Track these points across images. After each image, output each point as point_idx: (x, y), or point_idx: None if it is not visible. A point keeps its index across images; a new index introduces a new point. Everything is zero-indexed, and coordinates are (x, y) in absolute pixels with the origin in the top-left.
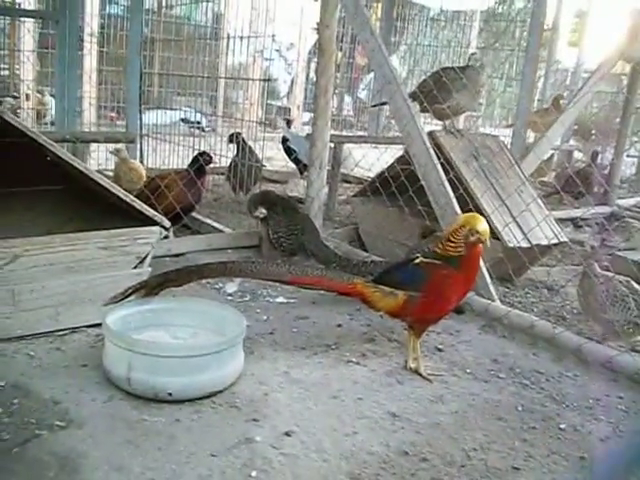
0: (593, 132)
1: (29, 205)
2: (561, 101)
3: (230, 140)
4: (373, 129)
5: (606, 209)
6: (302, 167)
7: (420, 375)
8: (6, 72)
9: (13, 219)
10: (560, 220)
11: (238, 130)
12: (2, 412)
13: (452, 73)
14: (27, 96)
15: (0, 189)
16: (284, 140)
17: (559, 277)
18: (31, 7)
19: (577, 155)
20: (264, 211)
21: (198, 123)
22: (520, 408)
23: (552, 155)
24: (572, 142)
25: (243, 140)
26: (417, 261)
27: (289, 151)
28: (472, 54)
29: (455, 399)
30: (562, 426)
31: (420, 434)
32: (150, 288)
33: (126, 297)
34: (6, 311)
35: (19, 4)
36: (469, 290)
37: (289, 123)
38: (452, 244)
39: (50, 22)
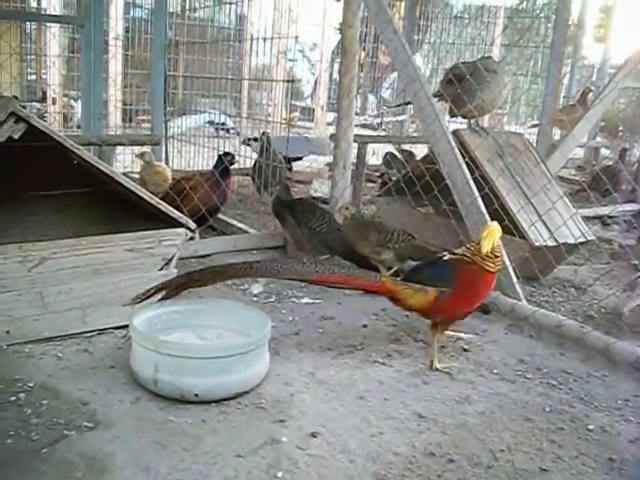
0: (620, 129)
1: (56, 208)
2: (589, 95)
3: (244, 142)
4: (397, 128)
5: (634, 206)
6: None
7: (436, 369)
8: (33, 77)
9: (41, 222)
10: (587, 218)
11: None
12: (31, 413)
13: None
14: (54, 100)
15: (28, 192)
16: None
17: (586, 276)
18: (56, 12)
19: (604, 152)
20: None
21: (223, 124)
22: (548, 409)
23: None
24: (599, 139)
25: (268, 140)
26: (446, 258)
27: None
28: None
29: (482, 400)
30: (590, 427)
31: (446, 435)
32: (172, 288)
33: (148, 297)
34: (34, 313)
35: (45, 9)
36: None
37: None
38: (498, 259)
39: (76, 27)
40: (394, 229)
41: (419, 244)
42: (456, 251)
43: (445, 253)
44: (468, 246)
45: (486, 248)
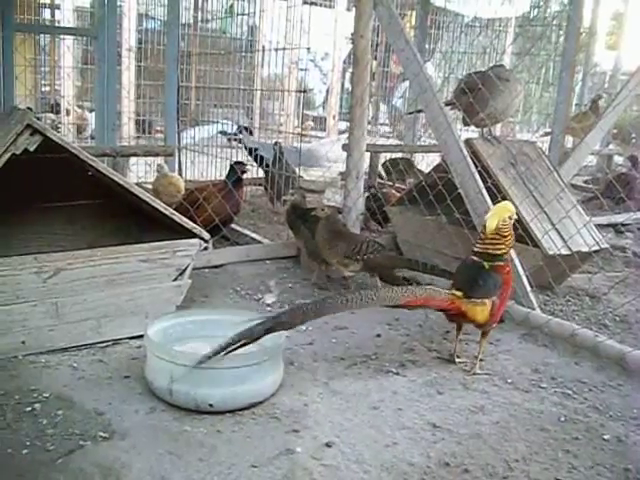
0: (633, 136)
1: (71, 219)
2: (600, 101)
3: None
4: (409, 138)
5: None
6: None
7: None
8: (47, 88)
9: (56, 233)
10: (601, 226)
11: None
12: (47, 423)
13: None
14: (67, 111)
15: (43, 204)
16: (251, 150)
17: (601, 284)
18: (70, 25)
19: (617, 159)
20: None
21: (235, 134)
22: (563, 418)
23: None
24: (612, 146)
25: (280, 150)
26: (487, 266)
27: (257, 159)
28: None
29: (496, 409)
30: (606, 437)
31: (461, 445)
32: (282, 324)
33: (256, 340)
34: (50, 323)
35: (59, 22)
36: None
37: (251, 132)
38: (508, 239)
39: (89, 38)
40: (363, 240)
41: (390, 254)
42: (475, 249)
43: (473, 258)
44: (482, 237)
45: (491, 225)
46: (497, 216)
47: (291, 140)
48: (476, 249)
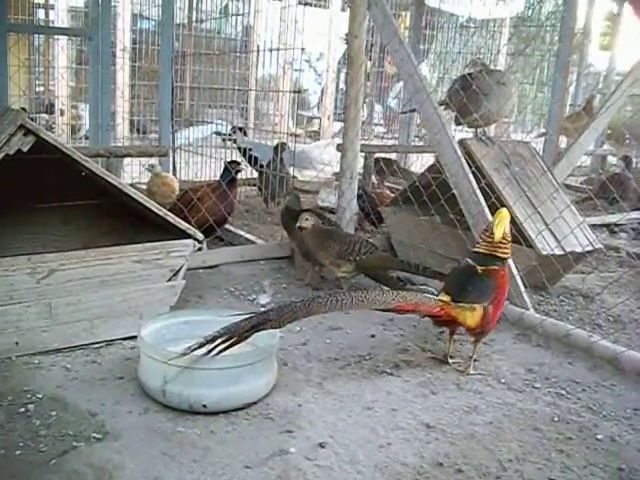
0: (627, 136)
1: (65, 220)
2: (594, 102)
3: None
4: (404, 138)
5: None
6: (265, 175)
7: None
8: (41, 88)
9: (50, 234)
10: (595, 226)
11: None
12: (40, 424)
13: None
14: (62, 111)
15: (37, 204)
16: (245, 150)
17: (594, 284)
18: (65, 25)
19: (611, 159)
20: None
21: (229, 135)
22: (556, 418)
23: None
24: (605, 147)
25: (282, 150)
26: (479, 270)
27: (251, 159)
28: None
29: (490, 409)
30: (599, 437)
31: (455, 445)
32: (270, 322)
33: (244, 336)
34: (43, 324)
35: (53, 22)
36: None
37: (245, 133)
38: (510, 244)
39: (84, 39)
40: (356, 240)
41: (382, 254)
42: (474, 249)
43: (468, 261)
44: (483, 237)
45: (498, 234)
46: (503, 223)
47: (286, 140)
48: (481, 250)
